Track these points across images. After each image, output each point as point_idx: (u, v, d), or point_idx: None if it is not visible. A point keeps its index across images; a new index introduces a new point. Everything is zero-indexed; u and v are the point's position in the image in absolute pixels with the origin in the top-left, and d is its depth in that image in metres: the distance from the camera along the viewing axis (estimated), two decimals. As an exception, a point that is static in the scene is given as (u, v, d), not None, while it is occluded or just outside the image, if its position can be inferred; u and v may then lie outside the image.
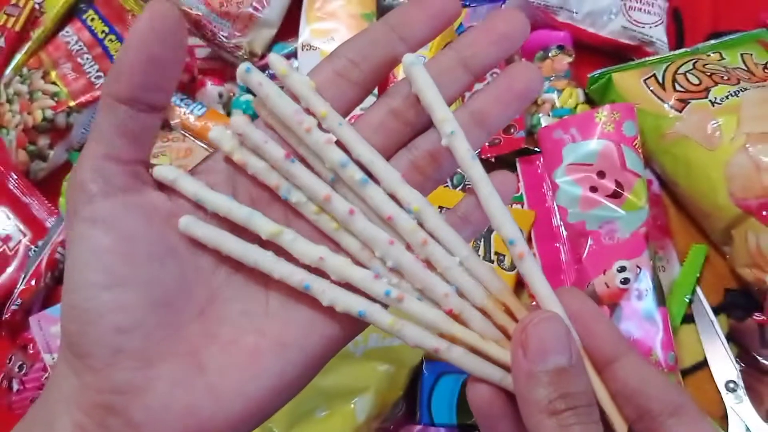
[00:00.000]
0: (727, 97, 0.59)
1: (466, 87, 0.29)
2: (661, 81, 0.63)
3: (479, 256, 0.59)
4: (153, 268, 0.26)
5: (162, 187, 0.28)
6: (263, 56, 0.72)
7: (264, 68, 0.73)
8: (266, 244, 0.28)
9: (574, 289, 0.28)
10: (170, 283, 0.26)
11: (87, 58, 0.67)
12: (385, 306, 0.27)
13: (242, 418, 0.26)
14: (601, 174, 0.59)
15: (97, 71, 0.66)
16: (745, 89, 0.59)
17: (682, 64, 0.63)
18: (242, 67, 0.27)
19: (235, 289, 0.28)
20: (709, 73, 0.62)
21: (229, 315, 0.28)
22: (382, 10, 0.71)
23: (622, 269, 0.55)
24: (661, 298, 0.55)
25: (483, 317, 0.27)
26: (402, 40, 0.28)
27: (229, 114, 0.70)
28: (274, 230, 0.27)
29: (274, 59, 0.28)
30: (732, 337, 0.58)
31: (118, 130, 0.26)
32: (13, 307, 0.59)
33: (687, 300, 0.59)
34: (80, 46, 0.67)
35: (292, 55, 0.71)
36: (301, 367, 0.27)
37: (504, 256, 0.60)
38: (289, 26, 0.72)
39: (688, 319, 0.59)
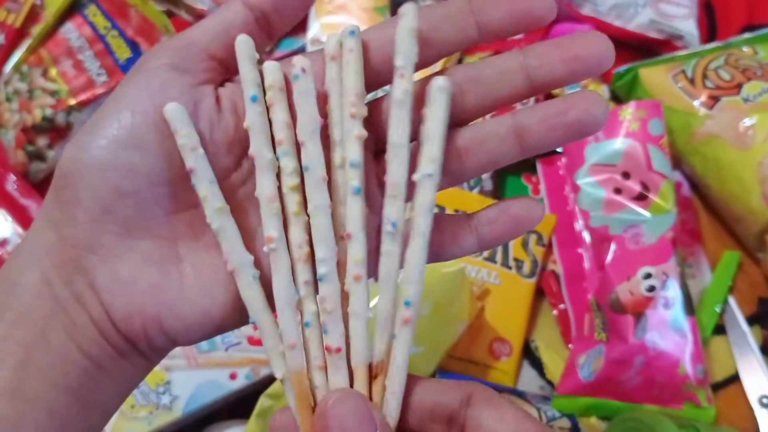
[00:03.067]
0: (760, 94, 0.58)
1: (520, 96, 0.28)
2: (690, 77, 0.63)
3: (497, 262, 0.60)
4: (174, 145, 0.27)
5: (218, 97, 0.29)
6: (271, 52, 0.73)
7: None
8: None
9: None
10: (180, 166, 0.28)
11: (88, 55, 0.68)
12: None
13: (199, 320, 0.28)
14: (626, 175, 0.59)
15: (99, 68, 0.67)
16: (781, 85, 0.58)
17: (713, 59, 0.63)
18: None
19: (237, 201, 0.29)
20: (741, 69, 0.61)
21: None
22: (395, 3, 0.71)
23: (648, 276, 0.55)
24: (689, 307, 0.55)
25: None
26: (477, 26, 0.28)
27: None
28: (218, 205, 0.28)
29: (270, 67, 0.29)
30: (766, 350, 0.57)
31: (226, 28, 0.28)
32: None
33: (718, 310, 0.59)
34: (81, 42, 0.68)
35: (301, 51, 0.72)
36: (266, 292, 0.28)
37: (523, 262, 0.60)
38: (298, 22, 0.73)
39: (719, 330, 0.59)
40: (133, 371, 0.29)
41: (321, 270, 0.28)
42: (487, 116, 0.30)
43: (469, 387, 0.27)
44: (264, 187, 0.28)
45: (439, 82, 0.27)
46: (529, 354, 0.59)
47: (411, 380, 0.27)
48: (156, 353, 0.29)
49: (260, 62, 0.29)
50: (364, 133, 0.28)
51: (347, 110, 0.28)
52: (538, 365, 0.59)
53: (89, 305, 0.27)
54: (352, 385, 0.27)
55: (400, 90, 0.27)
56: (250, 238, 0.29)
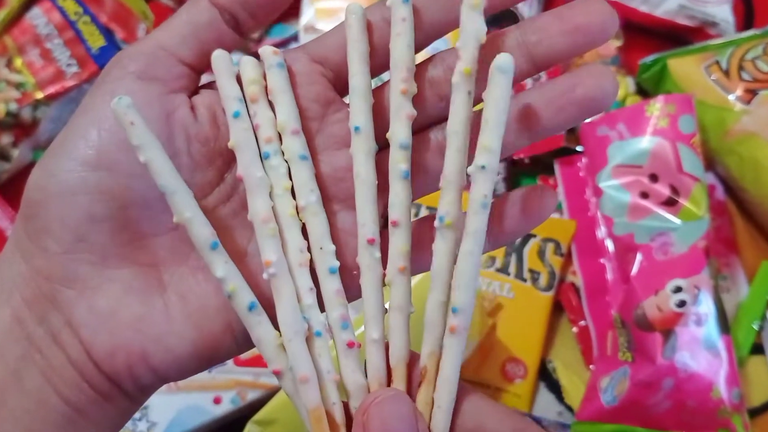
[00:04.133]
0: (802, 88, 0.59)
1: (522, 75, 0.29)
2: (725, 68, 0.63)
3: (510, 273, 0.60)
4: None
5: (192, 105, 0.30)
6: (260, 40, 0.74)
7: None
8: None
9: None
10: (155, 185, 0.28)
11: (57, 43, 0.68)
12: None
13: (189, 352, 0.28)
14: (654, 177, 0.59)
15: (69, 58, 0.68)
16: (825, 78, 0.59)
17: (751, 49, 0.64)
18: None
19: (222, 220, 0.30)
20: (782, 59, 0.62)
21: None
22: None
23: (678, 290, 0.55)
24: (724, 325, 0.55)
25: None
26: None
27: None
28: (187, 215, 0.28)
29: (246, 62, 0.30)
30: (809, 371, 0.58)
31: (194, 30, 0.29)
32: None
33: (756, 327, 0.59)
34: (50, 29, 0.68)
35: (293, 38, 0.73)
36: None
37: (539, 274, 0.60)
38: (290, 5, 0.73)
39: (757, 349, 0.59)
40: (116, 415, 0.29)
41: (332, 263, 0.29)
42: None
43: (521, 423, 0.27)
44: (257, 208, 0.28)
45: (500, 60, 0.26)
46: (546, 376, 0.60)
47: (459, 391, 0.27)
48: (142, 393, 0.29)
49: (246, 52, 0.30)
50: (414, 112, 0.29)
51: (397, 86, 0.29)
52: (555, 388, 0.59)
53: (67, 345, 0.27)
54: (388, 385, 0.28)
55: (457, 72, 0.28)
56: (239, 258, 0.29)
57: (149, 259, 0.29)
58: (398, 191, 0.28)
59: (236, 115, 0.29)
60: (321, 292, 0.29)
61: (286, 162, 0.29)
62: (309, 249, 0.29)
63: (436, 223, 0.28)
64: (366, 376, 0.28)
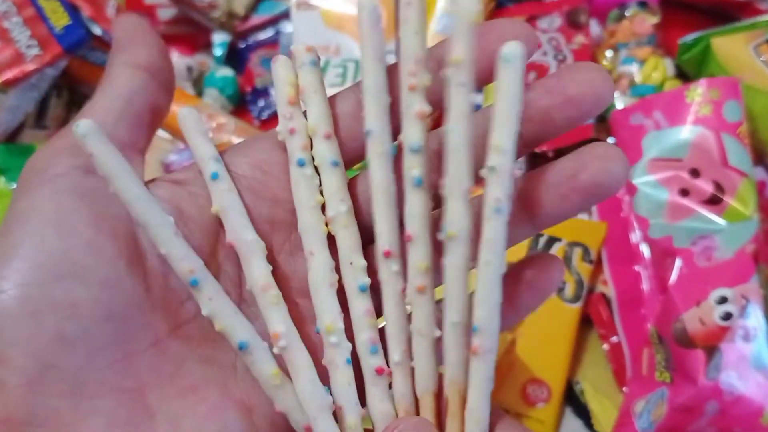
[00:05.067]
0: None
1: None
2: (776, 48, 0.63)
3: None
4: (119, 267, 0.27)
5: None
6: (246, 18, 0.73)
7: (247, 33, 0.74)
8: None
9: None
10: (132, 294, 0.28)
11: (16, 22, 0.68)
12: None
13: None
14: (695, 172, 0.59)
15: (29, 38, 0.67)
16: None
17: (806, 26, 0.64)
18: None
19: (204, 330, 0.29)
20: (841, 37, 0.61)
21: (191, 357, 0.29)
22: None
23: (723, 300, 0.55)
24: (776, 340, 0.55)
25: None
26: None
27: (200, 94, 0.71)
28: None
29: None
30: None
31: (122, 104, 0.29)
32: None
33: (813, 343, 0.59)
34: (7, 6, 0.68)
35: (283, 15, 0.73)
36: None
37: (565, 283, 0.60)
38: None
39: (815, 368, 0.59)
40: None
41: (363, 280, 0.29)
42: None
43: None
44: (255, 275, 0.28)
45: (507, 49, 0.26)
46: (573, 399, 0.60)
47: (492, 417, 0.28)
48: None
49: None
50: (427, 108, 0.28)
51: (405, 82, 0.28)
52: (584, 414, 0.59)
53: None
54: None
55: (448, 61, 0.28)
56: (230, 370, 0.29)
57: (132, 383, 0.27)
58: (413, 201, 0.28)
59: (214, 176, 0.29)
60: (349, 312, 0.29)
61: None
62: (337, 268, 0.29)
63: (440, 235, 0.28)
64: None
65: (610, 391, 0.59)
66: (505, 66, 0.26)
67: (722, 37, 0.66)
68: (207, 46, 0.74)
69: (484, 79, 0.28)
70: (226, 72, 0.71)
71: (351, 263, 0.29)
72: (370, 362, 0.28)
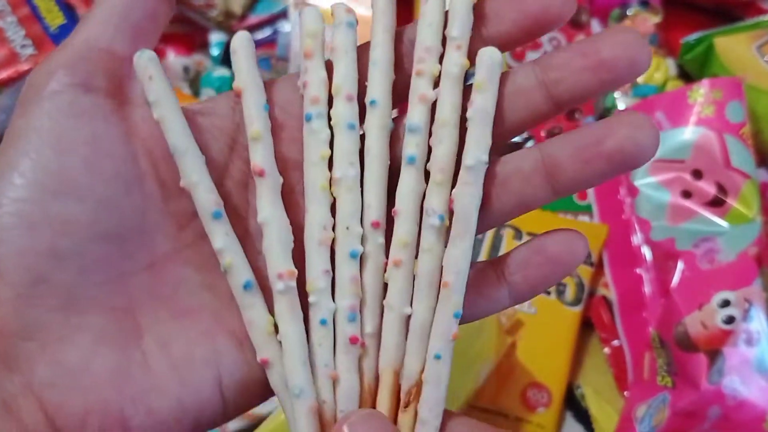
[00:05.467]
0: None
1: (542, 116, 0.29)
2: (780, 48, 0.63)
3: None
4: (116, 187, 0.28)
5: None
6: (243, 17, 0.73)
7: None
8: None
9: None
10: (129, 215, 0.28)
11: (10, 21, 0.68)
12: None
13: (174, 414, 0.27)
14: (697, 174, 0.59)
15: (23, 38, 0.67)
16: None
17: (810, 25, 0.63)
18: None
19: (202, 256, 0.30)
20: None
21: (188, 282, 0.29)
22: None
23: (726, 303, 0.55)
24: (780, 344, 0.55)
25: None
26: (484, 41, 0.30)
27: (197, 94, 0.71)
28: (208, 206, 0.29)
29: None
30: None
31: (120, 14, 0.29)
32: None
33: (817, 346, 0.59)
34: (2, 5, 0.68)
35: (280, 15, 0.72)
36: (251, 377, 0.29)
37: (565, 286, 0.60)
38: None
39: (819, 372, 0.58)
40: None
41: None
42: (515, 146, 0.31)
43: None
44: (265, 210, 0.29)
45: (488, 53, 0.29)
46: (574, 404, 0.59)
47: (443, 415, 0.28)
48: None
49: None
50: (431, 95, 0.29)
51: (415, 66, 0.30)
52: (584, 418, 0.59)
53: (23, 413, 0.26)
54: (373, 393, 0.29)
55: (455, 64, 0.29)
56: (227, 299, 0.29)
57: (124, 302, 0.28)
58: (405, 178, 0.29)
59: (266, 108, 0.30)
60: (335, 277, 0.29)
61: (330, 129, 0.30)
62: (334, 228, 0.29)
63: (434, 221, 0.28)
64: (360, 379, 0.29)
65: (611, 395, 0.59)
66: (487, 67, 0.29)
67: (725, 36, 0.66)
68: (204, 46, 0.74)
69: (594, 90, 0.29)
70: (224, 72, 0.71)
71: (347, 228, 0.29)
72: (345, 329, 0.29)
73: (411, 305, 0.29)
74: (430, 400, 0.28)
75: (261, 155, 0.29)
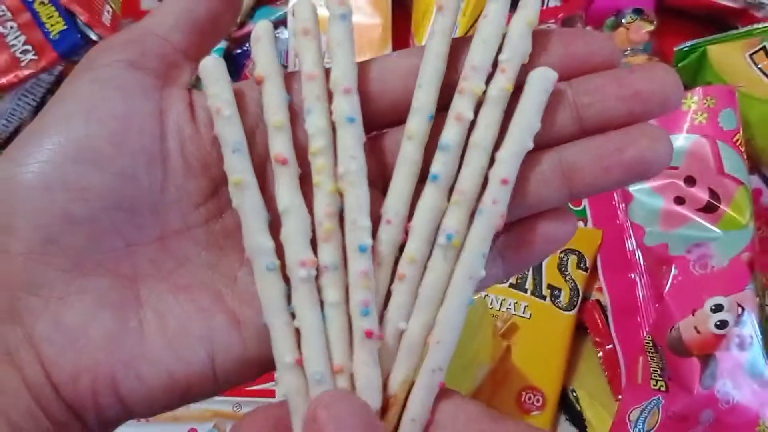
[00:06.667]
0: None
1: (565, 137, 0.29)
2: (773, 56, 0.64)
3: (526, 290, 0.60)
4: (139, 161, 0.28)
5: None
6: (242, 24, 0.73)
7: (243, 39, 0.74)
8: None
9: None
10: (146, 189, 0.28)
11: (11, 27, 0.68)
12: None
13: (162, 383, 0.28)
14: (690, 180, 0.59)
15: (24, 44, 0.67)
16: None
17: (802, 34, 0.64)
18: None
19: (213, 236, 0.30)
20: (837, 46, 0.62)
21: (194, 259, 0.30)
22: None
23: (718, 308, 0.55)
24: (772, 348, 0.55)
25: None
26: None
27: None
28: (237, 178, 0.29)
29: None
30: None
31: (183, 9, 0.30)
32: None
33: (808, 351, 0.59)
34: (2, 11, 0.68)
35: (281, 22, 0.73)
36: (245, 356, 0.29)
37: (560, 290, 0.60)
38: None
39: (810, 377, 0.59)
40: None
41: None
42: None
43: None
44: (284, 198, 0.29)
45: (540, 71, 0.29)
46: (568, 407, 0.60)
47: (442, 394, 0.28)
48: (104, 428, 0.29)
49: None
50: (467, 114, 0.29)
51: (459, 84, 0.29)
52: (578, 421, 0.59)
53: (24, 363, 0.27)
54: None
55: (496, 87, 0.29)
56: (227, 284, 0.30)
57: (128, 271, 0.29)
58: (424, 195, 0.29)
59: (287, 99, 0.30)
60: (348, 272, 0.29)
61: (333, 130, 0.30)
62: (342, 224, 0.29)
63: (441, 240, 0.29)
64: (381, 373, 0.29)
65: (605, 399, 0.59)
66: (543, 81, 0.28)
67: (718, 44, 0.66)
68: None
69: (623, 119, 0.29)
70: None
71: (354, 222, 0.29)
72: (360, 324, 0.28)
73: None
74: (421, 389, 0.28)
75: (284, 144, 0.29)
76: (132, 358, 0.28)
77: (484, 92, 0.29)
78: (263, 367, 0.29)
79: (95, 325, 0.27)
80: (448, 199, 0.29)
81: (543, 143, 0.29)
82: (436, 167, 0.29)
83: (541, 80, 0.28)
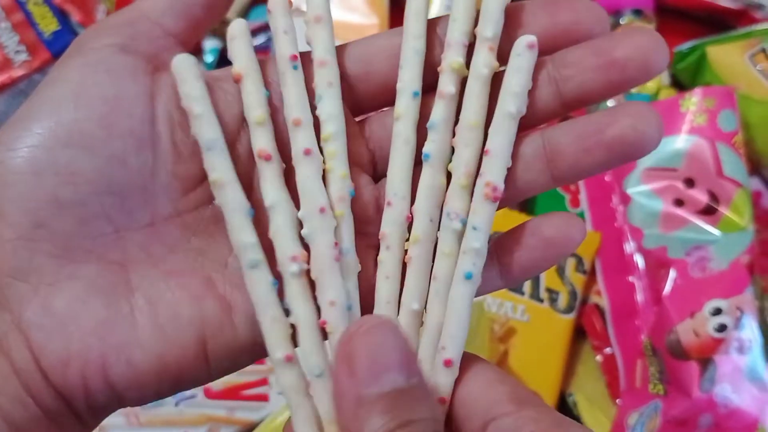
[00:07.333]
0: None
1: (549, 115, 0.29)
2: (772, 57, 0.64)
3: (524, 293, 0.60)
4: (129, 145, 0.28)
5: None
6: (237, 24, 0.73)
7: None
8: None
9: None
10: (136, 173, 0.28)
11: (4, 27, 0.68)
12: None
13: (153, 369, 0.28)
14: (690, 182, 0.59)
15: (17, 44, 0.67)
16: None
17: (802, 35, 0.64)
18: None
19: (202, 222, 0.30)
20: (837, 47, 0.62)
21: (184, 245, 0.30)
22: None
23: (717, 312, 0.55)
24: (771, 352, 0.55)
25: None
26: None
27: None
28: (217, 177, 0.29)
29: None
30: None
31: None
32: None
33: (808, 355, 0.59)
34: (-5, 11, 0.69)
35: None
36: (237, 342, 0.29)
37: (558, 294, 0.60)
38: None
39: (810, 380, 0.59)
40: None
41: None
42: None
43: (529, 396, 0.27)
44: (270, 194, 0.29)
45: (522, 39, 0.28)
46: (566, 411, 0.59)
47: (467, 360, 0.28)
48: (94, 416, 0.29)
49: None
50: (450, 90, 0.29)
51: (442, 63, 0.30)
52: (577, 426, 0.59)
53: (12, 349, 0.27)
54: None
55: (485, 65, 0.29)
56: (216, 269, 0.29)
57: (118, 257, 0.28)
58: (422, 176, 0.29)
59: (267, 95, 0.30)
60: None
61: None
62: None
63: (456, 224, 0.28)
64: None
65: (604, 403, 0.59)
66: (529, 52, 0.28)
67: (717, 45, 0.66)
68: (198, 53, 0.74)
69: (602, 91, 0.28)
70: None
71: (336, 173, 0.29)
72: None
73: (422, 303, 0.29)
74: (452, 329, 0.28)
75: (266, 139, 0.29)
76: (123, 344, 0.27)
77: (469, 69, 0.29)
78: (255, 352, 0.29)
79: (85, 310, 0.27)
80: (447, 177, 0.29)
81: (526, 123, 0.29)
82: (427, 147, 0.29)
83: (524, 47, 0.28)
